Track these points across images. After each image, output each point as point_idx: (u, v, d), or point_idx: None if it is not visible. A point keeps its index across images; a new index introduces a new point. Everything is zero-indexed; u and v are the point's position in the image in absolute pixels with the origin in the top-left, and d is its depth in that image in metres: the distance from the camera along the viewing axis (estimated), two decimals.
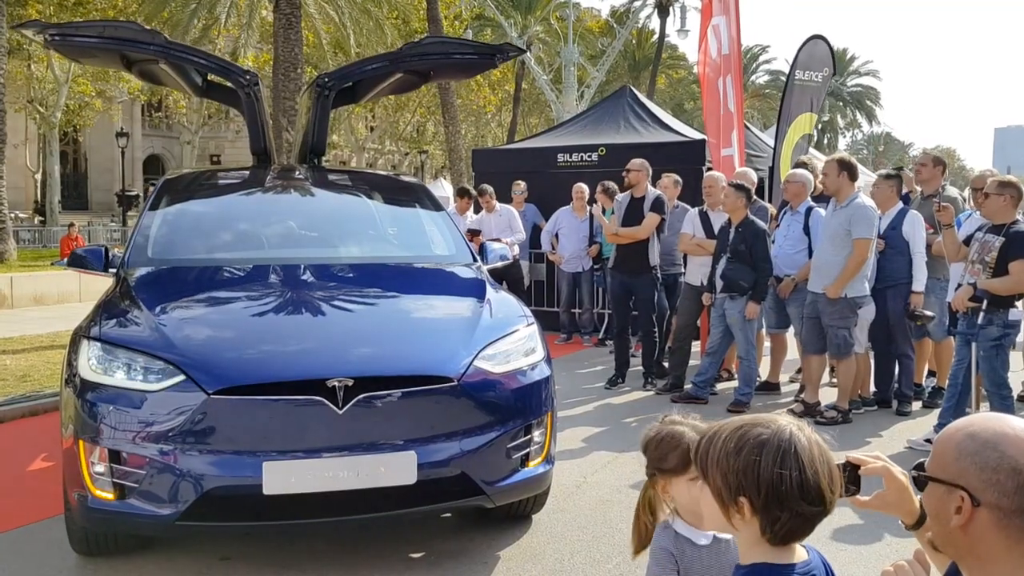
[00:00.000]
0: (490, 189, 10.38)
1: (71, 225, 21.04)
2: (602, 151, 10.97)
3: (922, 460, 1.62)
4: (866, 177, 12.16)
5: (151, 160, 48.37)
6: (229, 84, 6.13)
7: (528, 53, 30.52)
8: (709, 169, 9.39)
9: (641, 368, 7.91)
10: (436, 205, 5.63)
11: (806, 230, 7.04)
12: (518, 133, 39.08)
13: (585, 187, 10.23)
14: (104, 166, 44.63)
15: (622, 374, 7.84)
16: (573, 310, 10.55)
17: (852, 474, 1.68)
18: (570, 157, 11.20)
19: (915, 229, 6.50)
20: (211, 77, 6.38)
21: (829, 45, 9.41)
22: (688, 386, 7.34)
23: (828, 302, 6.41)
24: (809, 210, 7.08)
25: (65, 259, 16.48)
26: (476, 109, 38.17)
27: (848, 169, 6.39)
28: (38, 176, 36.70)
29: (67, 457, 3.68)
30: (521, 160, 11.71)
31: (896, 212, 6.61)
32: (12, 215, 19.52)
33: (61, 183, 33.87)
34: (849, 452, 1.70)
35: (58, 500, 4.34)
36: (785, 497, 1.46)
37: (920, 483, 1.60)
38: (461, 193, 10.74)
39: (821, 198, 7.16)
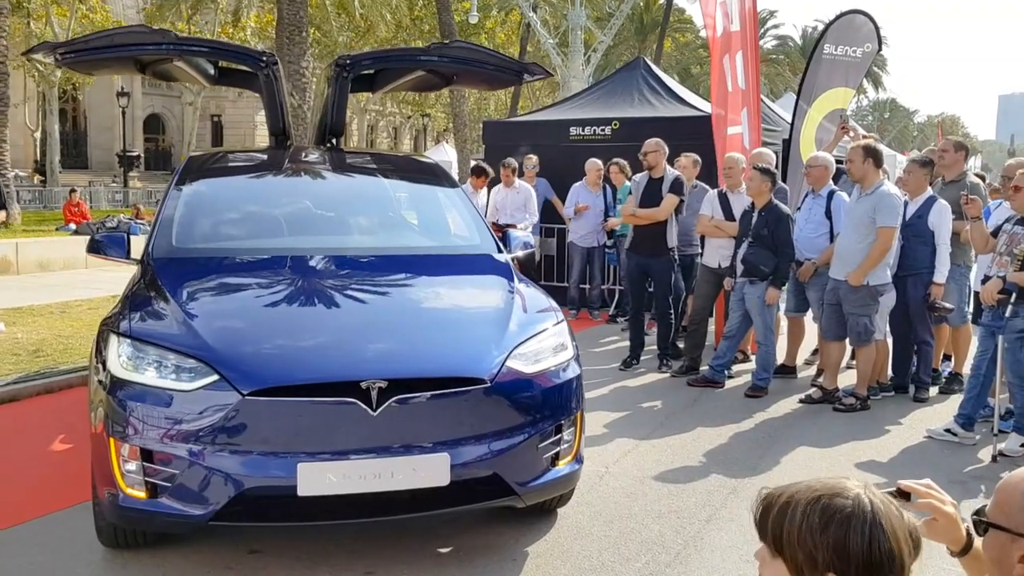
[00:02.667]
0: (514, 164, 10.23)
1: (72, 190, 20.86)
2: (615, 125, 10.85)
3: (983, 505, 1.61)
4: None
5: (151, 119, 48.02)
6: (243, 68, 6.09)
7: (534, 15, 30.14)
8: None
9: (656, 349, 7.89)
10: (460, 192, 5.58)
11: (828, 214, 6.98)
12: (522, 97, 38.75)
13: (599, 162, 10.15)
14: (104, 124, 44.28)
15: (637, 356, 7.82)
16: (583, 286, 10.52)
17: (902, 501, 1.67)
18: (583, 130, 11.08)
19: (942, 220, 6.43)
20: (223, 63, 6.33)
21: (873, 20, 9.10)
22: (704, 369, 7.32)
23: (849, 289, 6.37)
24: (831, 194, 7.01)
25: (71, 225, 16.38)
26: None
27: (873, 156, 6.31)
28: (37, 135, 36.42)
29: (96, 451, 3.66)
30: (532, 133, 11.58)
31: (924, 200, 6.54)
32: (13, 174, 19.41)
33: (60, 142, 33.57)
34: (901, 480, 1.69)
35: (81, 486, 4.35)
36: (876, 569, 1.44)
37: (980, 527, 1.59)
38: (477, 172, 10.56)
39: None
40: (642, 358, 7.88)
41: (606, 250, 10.39)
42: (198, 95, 37.70)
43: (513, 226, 9.37)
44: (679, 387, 7.13)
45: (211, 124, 47.44)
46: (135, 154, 38.96)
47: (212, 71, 6.36)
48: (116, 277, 11.67)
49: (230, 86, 7.17)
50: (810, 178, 7.14)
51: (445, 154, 31.28)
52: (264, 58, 5.75)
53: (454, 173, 19.77)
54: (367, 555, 3.90)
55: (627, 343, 8.09)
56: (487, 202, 10.45)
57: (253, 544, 3.97)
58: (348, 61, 5.75)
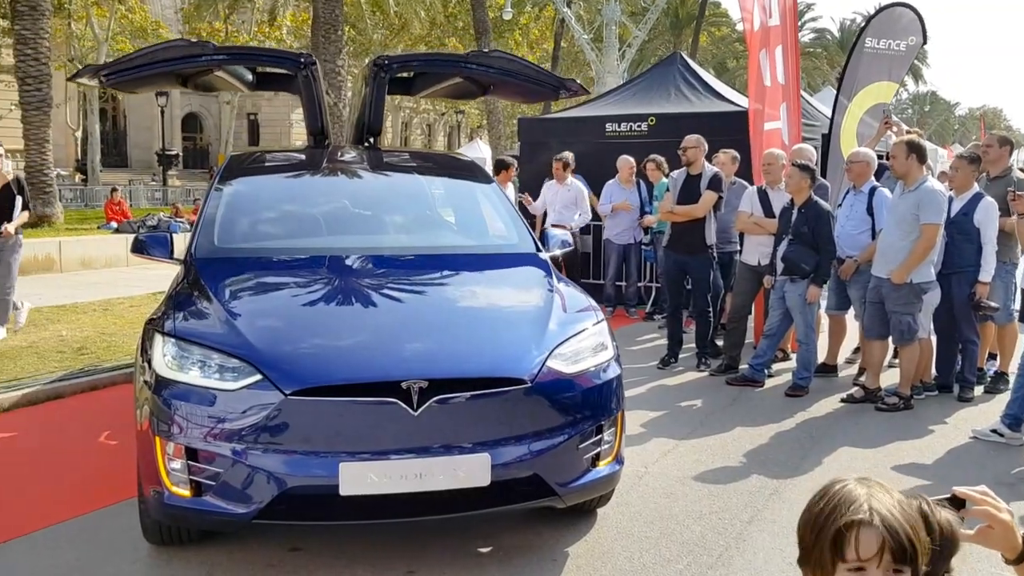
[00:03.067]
0: (567, 158, 10.06)
1: (114, 189, 21.21)
2: (652, 121, 10.79)
3: None
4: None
5: (189, 118, 48.62)
6: (281, 71, 6.19)
7: (568, 10, 30.03)
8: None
9: (694, 347, 7.84)
10: (497, 190, 5.58)
11: (869, 210, 6.88)
12: None
13: (631, 159, 10.10)
14: (143, 124, 44.91)
15: (675, 354, 7.77)
16: (619, 283, 10.47)
17: (957, 508, 1.65)
18: (618, 127, 11.03)
19: (988, 217, 6.31)
20: (259, 68, 6.44)
21: (917, 13, 8.91)
22: (743, 367, 7.25)
23: (893, 287, 6.27)
24: (873, 190, 6.91)
25: (112, 223, 16.65)
26: None
27: (917, 152, 6.21)
28: (78, 134, 37.02)
29: (142, 449, 3.70)
30: (568, 129, 11.54)
31: (970, 197, 6.42)
32: (55, 172, 19.83)
33: (101, 141, 34.10)
34: (957, 487, 1.66)
35: (126, 483, 4.41)
36: None
37: None
38: (500, 166, 10.45)
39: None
40: (680, 356, 7.82)
41: (643, 247, 10.34)
42: (235, 94, 38.07)
43: (562, 226, 9.31)
44: (718, 386, 7.07)
45: (247, 122, 47.94)
46: (174, 153, 39.48)
47: (251, 77, 6.47)
48: (157, 275, 11.82)
49: (268, 90, 7.26)
50: (851, 174, 7.04)
51: (479, 151, 31.17)
52: (302, 59, 5.81)
53: (488, 170, 19.82)
54: (407, 554, 3.91)
55: (664, 341, 8.04)
56: (515, 197, 10.41)
57: (294, 542, 4.00)
58: (386, 61, 5.79)
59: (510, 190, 10.40)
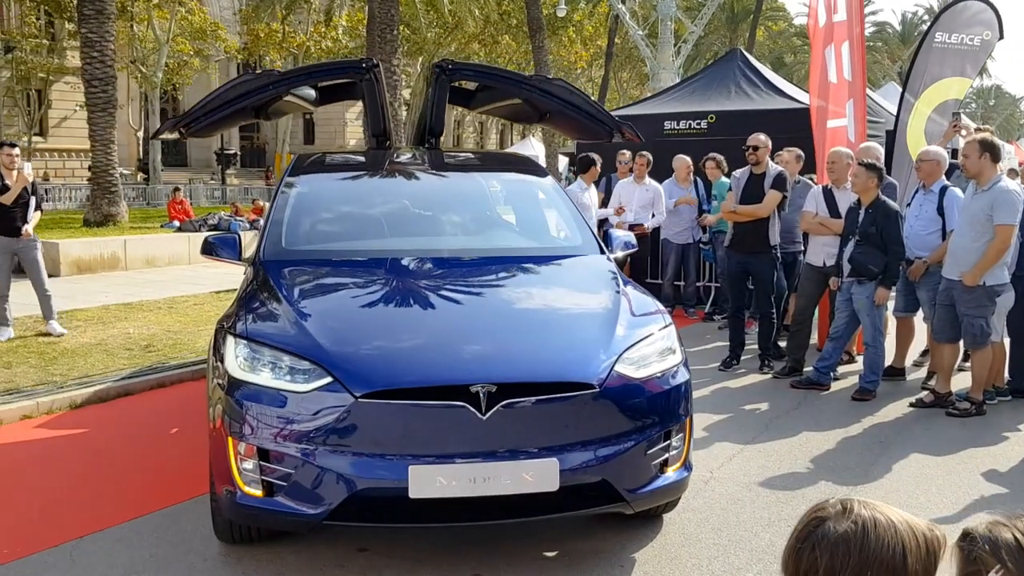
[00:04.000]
0: (649, 156, 9.88)
1: (176, 189, 21.63)
2: (711, 118, 10.67)
3: None
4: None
5: None
6: (343, 80, 6.30)
7: (623, 6, 29.82)
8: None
9: (755, 349, 7.72)
10: (559, 189, 5.57)
11: (939, 210, 6.70)
12: (609, 89, 38.39)
13: (687, 158, 9.99)
14: None
15: (737, 356, 7.66)
16: (677, 283, 10.36)
17: None
18: (677, 125, 10.93)
19: None
20: (320, 83, 6.58)
21: (993, 7, 8.58)
22: (808, 370, 7.12)
23: (964, 290, 6.10)
24: (944, 189, 6.73)
25: (174, 222, 17.03)
26: (567, 65, 37.64)
27: (990, 150, 6.02)
28: (140, 134, 37.86)
29: (214, 448, 3.75)
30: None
31: None
32: (118, 172, 20.20)
33: (162, 141, 34.80)
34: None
35: (196, 481, 4.49)
36: None
37: None
38: (588, 164, 10.28)
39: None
40: (742, 358, 7.71)
41: (702, 246, 10.22)
42: None
43: (640, 226, 9.25)
44: (782, 389, 6.95)
45: (303, 122, 48.55)
46: (232, 152, 40.15)
47: (314, 94, 6.58)
48: (218, 274, 12.06)
49: (332, 102, 7.33)
50: (921, 173, 6.87)
51: (532, 148, 31.20)
52: (364, 64, 5.87)
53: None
54: (473, 557, 3.91)
55: (724, 342, 7.94)
56: (605, 196, 10.32)
57: (362, 543, 4.02)
58: (449, 65, 5.81)
59: (594, 191, 10.28)
